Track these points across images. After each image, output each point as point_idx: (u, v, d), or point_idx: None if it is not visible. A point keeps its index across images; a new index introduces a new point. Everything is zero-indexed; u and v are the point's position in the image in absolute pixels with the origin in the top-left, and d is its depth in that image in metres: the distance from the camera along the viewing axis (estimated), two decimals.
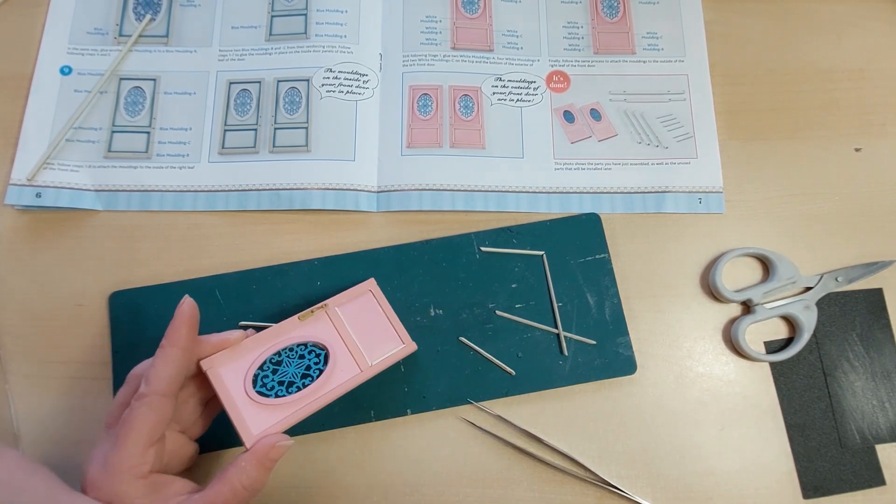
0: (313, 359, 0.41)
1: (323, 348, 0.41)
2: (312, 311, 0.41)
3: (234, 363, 0.39)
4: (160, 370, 0.35)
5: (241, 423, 0.38)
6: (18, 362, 0.46)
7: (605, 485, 0.44)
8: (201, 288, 0.46)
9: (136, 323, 0.46)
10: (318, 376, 0.40)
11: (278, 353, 0.40)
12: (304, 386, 0.40)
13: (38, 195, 0.48)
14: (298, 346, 0.41)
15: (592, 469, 0.44)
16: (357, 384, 0.41)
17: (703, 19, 0.55)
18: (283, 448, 0.37)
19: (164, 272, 0.47)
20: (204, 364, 0.38)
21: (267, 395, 0.39)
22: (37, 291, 0.47)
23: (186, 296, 0.37)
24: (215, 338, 0.39)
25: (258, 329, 0.41)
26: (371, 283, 0.44)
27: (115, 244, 0.48)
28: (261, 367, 0.40)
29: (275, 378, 0.39)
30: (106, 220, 0.49)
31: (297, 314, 0.41)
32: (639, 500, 0.44)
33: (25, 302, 0.47)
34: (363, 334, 0.42)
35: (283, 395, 0.39)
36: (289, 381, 0.40)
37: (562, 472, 0.44)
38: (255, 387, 0.39)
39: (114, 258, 0.48)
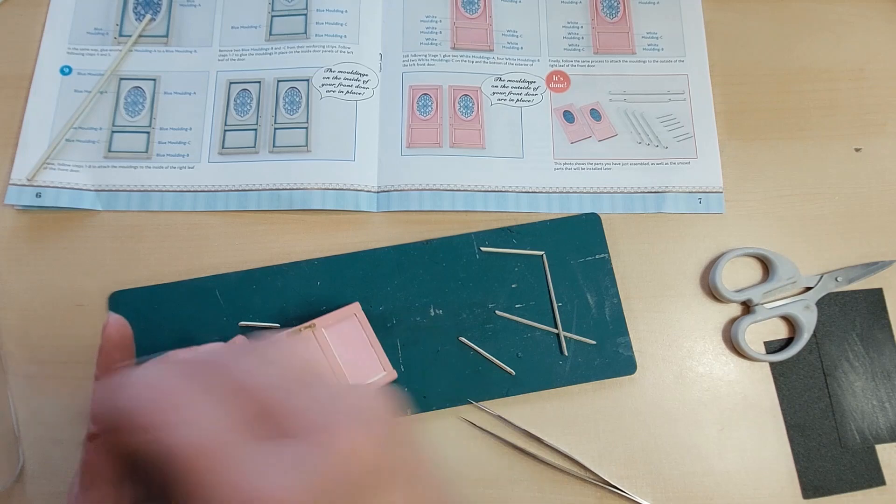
0: None
1: None
2: (301, 330, 0.39)
3: None
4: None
5: None
6: (18, 362, 0.46)
7: (605, 485, 0.44)
8: (201, 288, 0.46)
9: (136, 323, 0.45)
10: None
11: None
12: None
13: (38, 195, 0.48)
14: None
15: (592, 469, 0.44)
16: None
17: (703, 19, 0.55)
18: None
19: (164, 272, 0.47)
20: None
21: None
22: (37, 291, 0.47)
23: (110, 314, 0.31)
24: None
25: (256, 330, 0.41)
26: (356, 307, 0.42)
27: (115, 244, 0.48)
28: None
29: None
30: (106, 220, 0.49)
31: (286, 330, 0.39)
32: (639, 500, 0.44)
33: (25, 302, 0.47)
34: (347, 359, 0.40)
35: None
36: None
37: (562, 472, 0.44)
38: None
39: (114, 258, 0.48)
